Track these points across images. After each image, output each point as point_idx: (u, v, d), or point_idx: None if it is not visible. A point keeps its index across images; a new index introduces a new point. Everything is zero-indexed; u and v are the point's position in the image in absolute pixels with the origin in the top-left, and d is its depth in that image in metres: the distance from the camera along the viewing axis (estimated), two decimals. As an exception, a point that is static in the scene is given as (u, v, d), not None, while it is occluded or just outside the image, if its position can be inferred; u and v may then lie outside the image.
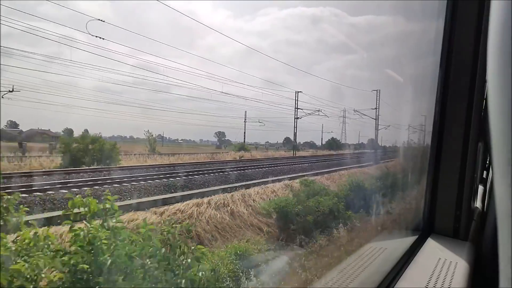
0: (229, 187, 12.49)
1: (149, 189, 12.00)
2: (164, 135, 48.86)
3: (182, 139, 47.37)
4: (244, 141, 38.07)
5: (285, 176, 15.40)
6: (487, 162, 3.36)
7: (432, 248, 1.90)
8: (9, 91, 18.29)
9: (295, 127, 32.64)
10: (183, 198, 10.47)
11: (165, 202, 10.13)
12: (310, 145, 48.93)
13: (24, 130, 33.55)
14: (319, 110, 31.42)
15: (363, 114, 33.43)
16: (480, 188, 3.13)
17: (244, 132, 37.56)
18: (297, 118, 32.11)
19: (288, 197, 11.86)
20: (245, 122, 36.94)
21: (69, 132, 30.72)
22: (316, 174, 17.04)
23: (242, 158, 27.47)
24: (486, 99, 2.04)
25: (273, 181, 13.88)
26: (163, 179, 13.87)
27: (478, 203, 2.73)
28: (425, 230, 2.12)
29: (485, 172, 3.50)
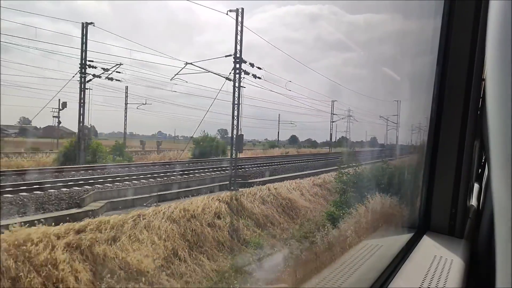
0: (315, 172, 18.64)
1: (294, 169, 20.61)
2: (163, 132, 49.00)
3: (182, 136, 47.18)
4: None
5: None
6: (483, 159, 3.35)
7: (428, 246, 1.89)
8: (143, 104, 25.62)
9: (331, 128, 38.77)
10: (306, 176, 16.86)
11: (304, 176, 16.68)
12: (326, 143, 49.74)
13: (41, 127, 33.79)
14: (350, 116, 35.19)
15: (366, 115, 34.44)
16: (476, 186, 3.12)
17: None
18: (333, 121, 37.41)
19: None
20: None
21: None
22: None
23: (288, 154, 34.60)
24: (482, 97, 2.02)
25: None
26: (287, 164, 22.50)
27: (473, 201, 2.72)
28: (420, 227, 2.10)
29: (480, 170, 3.50)
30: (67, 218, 7.33)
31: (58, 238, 6.07)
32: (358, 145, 33.36)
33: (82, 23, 16.16)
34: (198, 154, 23.42)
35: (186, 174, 15.81)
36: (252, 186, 12.62)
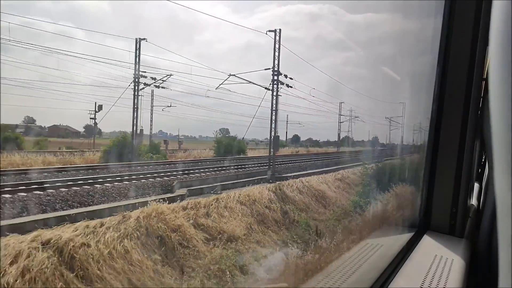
0: (333, 168, 20.02)
1: (314, 166, 21.50)
2: (164, 131, 48.93)
3: (182, 135, 46.92)
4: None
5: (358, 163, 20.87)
6: (483, 159, 3.33)
7: (428, 245, 1.88)
8: (168, 106, 26.49)
9: (339, 129, 39.71)
10: (326, 172, 18.04)
11: (325, 172, 17.78)
12: (328, 142, 49.90)
13: (46, 126, 34.20)
14: (357, 117, 36.17)
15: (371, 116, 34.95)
16: (476, 185, 3.10)
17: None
18: (341, 122, 38.59)
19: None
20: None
21: (90, 128, 32.42)
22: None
23: (298, 153, 35.85)
24: (483, 97, 2.01)
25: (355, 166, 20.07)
26: (307, 162, 24.21)
27: (473, 201, 2.70)
28: (421, 227, 2.09)
29: (480, 170, 3.48)
30: (170, 199, 9.83)
31: (176, 211, 8.59)
32: (361, 145, 34.65)
33: (136, 39, 19.20)
34: (222, 153, 25.17)
35: (227, 169, 18.27)
36: (287, 180, 14.52)
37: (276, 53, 16.62)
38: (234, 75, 18.58)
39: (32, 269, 5.13)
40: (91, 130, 29.88)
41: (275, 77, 16.95)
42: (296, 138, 51.38)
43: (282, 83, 17.62)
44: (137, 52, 18.96)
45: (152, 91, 24.65)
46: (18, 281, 4.90)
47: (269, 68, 17.05)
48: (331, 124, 56.58)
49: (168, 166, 17.92)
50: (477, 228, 2.08)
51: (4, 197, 8.78)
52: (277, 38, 16.31)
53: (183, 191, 11.72)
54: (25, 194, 9.36)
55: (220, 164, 19.92)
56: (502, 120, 0.42)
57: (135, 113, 20.01)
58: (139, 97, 19.83)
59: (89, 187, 10.97)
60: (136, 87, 19.54)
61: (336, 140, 42.09)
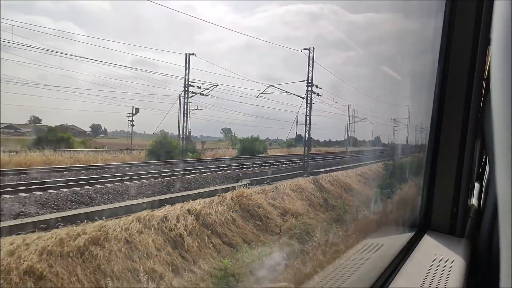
0: (352, 166, 21.56)
1: (335, 163, 23.56)
2: (165, 131, 48.88)
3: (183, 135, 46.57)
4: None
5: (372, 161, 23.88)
6: (483, 159, 3.31)
7: (429, 245, 1.86)
8: (195, 109, 27.24)
9: (348, 130, 41.24)
10: (346, 168, 20.43)
11: (346, 168, 20.33)
12: (329, 142, 50.07)
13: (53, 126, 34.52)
14: (365, 118, 36.90)
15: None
16: (476, 185, 3.08)
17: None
18: (351, 123, 40.12)
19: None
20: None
21: (96, 128, 33.18)
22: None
23: (311, 152, 36.91)
24: (483, 97, 1.99)
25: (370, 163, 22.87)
26: (328, 160, 26.56)
27: (474, 201, 2.68)
28: (421, 226, 2.08)
29: (480, 170, 3.46)
30: (242, 186, 12.42)
31: (253, 194, 11.26)
32: (369, 144, 35.64)
33: (186, 54, 22.05)
34: (245, 152, 27.51)
35: (269, 165, 21.34)
36: (319, 174, 16.89)
37: (310, 68, 20.31)
38: (272, 85, 22.33)
39: (188, 226, 8.16)
40: (97, 130, 31.30)
41: (309, 88, 20.43)
42: (299, 138, 51.25)
43: (315, 93, 21.10)
44: (187, 65, 22.18)
45: (180, 95, 26.69)
46: (183, 232, 7.89)
47: (304, 81, 20.69)
48: (335, 124, 56.74)
49: (216, 162, 20.68)
50: (478, 228, 2.06)
51: (146, 181, 12.67)
52: (311, 55, 20.12)
53: (246, 181, 14.28)
54: (155, 180, 13.22)
55: (258, 161, 23.26)
56: (503, 120, 0.42)
57: (185, 117, 23.53)
58: (189, 103, 23.09)
59: (188, 176, 14.81)
60: (186, 95, 23.18)
61: (343, 140, 42.57)
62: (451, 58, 1.98)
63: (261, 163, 21.64)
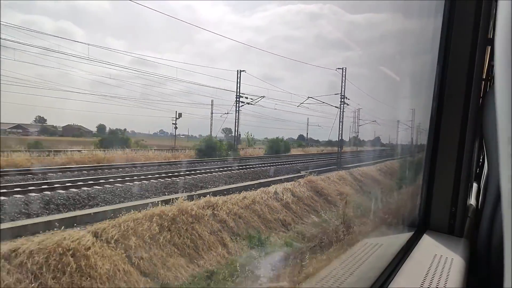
0: (368, 163, 24.55)
1: (352, 161, 24.52)
2: (165, 130, 49.10)
3: (183, 135, 46.73)
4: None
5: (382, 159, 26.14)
6: (481, 159, 3.27)
7: (428, 245, 1.83)
8: (225, 113, 30.50)
9: (357, 130, 43.39)
10: (364, 166, 22.53)
11: (363, 166, 22.27)
12: (330, 142, 50.25)
13: (59, 126, 34.93)
14: (374, 121, 38.46)
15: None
16: (474, 185, 3.05)
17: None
18: (360, 125, 42.44)
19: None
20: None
21: (102, 128, 33.87)
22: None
23: (323, 152, 39.02)
24: (482, 97, 1.95)
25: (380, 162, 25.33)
26: (346, 158, 26.85)
27: (472, 200, 2.65)
28: (420, 226, 2.05)
29: (478, 170, 3.42)
30: (304, 175, 15.65)
31: (316, 180, 15.14)
32: (379, 144, 36.64)
33: (237, 70, 25.87)
34: (272, 151, 30.10)
35: (308, 161, 24.59)
36: (348, 169, 20.08)
37: (343, 83, 25.24)
38: (312, 97, 26.72)
39: (289, 197, 12.37)
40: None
41: (342, 100, 25.44)
42: (301, 138, 51.21)
43: (348, 104, 25.94)
44: (239, 80, 26.24)
45: (212, 101, 31.86)
46: (288, 201, 12.13)
47: (338, 93, 25.57)
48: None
49: (263, 159, 24.11)
50: (476, 228, 2.03)
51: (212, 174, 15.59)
52: (344, 73, 25.10)
53: (304, 172, 17.31)
54: (244, 170, 17.28)
55: (301, 158, 26.95)
56: (507, 119, 0.41)
57: (237, 122, 27.16)
58: (238, 112, 26.86)
59: (263, 168, 18.88)
60: (238, 104, 27.06)
61: (348, 140, 42.94)
62: (450, 58, 1.95)
63: (304, 160, 25.45)
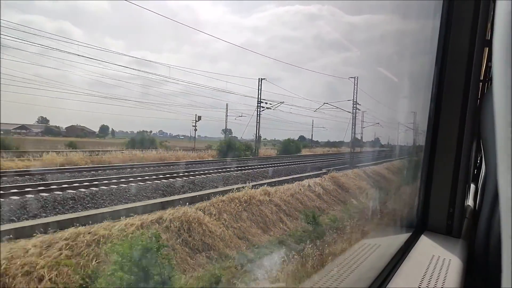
0: (374, 162, 25.74)
1: (360, 161, 26.03)
2: (164, 131, 49.15)
3: (183, 135, 46.75)
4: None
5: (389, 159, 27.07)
6: (479, 160, 3.26)
7: (426, 245, 1.82)
8: (239, 116, 32.89)
9: (361, 133, 44.56)
10: (372, 165, 24.07)
11: (371, 165, 23.99)
12: (329, 143, 50.49)
13: (62, 126, 35.13)
14: (378, 123, 39.62)
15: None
16: (472, 186, 3.03)
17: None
18: (364, 127, 43.01)
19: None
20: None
21: (105, 128, 34.25)
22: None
23: (329, 152, 40.34)
24: (480, 98, 1.94)
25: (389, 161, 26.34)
26: (353, 158, 27.86)
27: (470, 201, 2.64)
28: (418, 227, 2.03)
29: (476, 171, 3.41)
30: (326, 172, 17.71)
31: (338, 176, 17.50)
32: (381, 145, 36.80)
33: (259, 79, 27.78)
34: (286, 152, 31.56)
35: (325, 160, 26.43)
36: (360, 168, 21.86)
37: (355, 91, 27.55)
38: (327, 103, 28.95)
39: (320, 190, 15.07)
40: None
41: (354, 105, 27.84)
42: (301, 139, 51.15)
43: (359, 109, 27.95)
44: (259, 87, 28.18)
45: (227, 105, 33.49)
46: (320, 193, 14.81)
47: (350, 100, 27.70)
48: (337, 125, 56.91)
49: (284, 159, 25.72)
50: (474, 229, 2.02)
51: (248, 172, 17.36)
52: (356, 82, 27.41)
53: (325, 170, 18.85)
54: (273, 168, 19.24)
55: (318, 157, 28.82)
56: (505, 120, 0.41)
57: (258, 125, 29.51)
58: (260, 116, 29.08)
59: (286, 167, 20.29)
60: (258, 109, 29.22)
61: (353, 141, 43.10)
62: (448, 59, 1.93)
63: (321, 159, 27.20)
